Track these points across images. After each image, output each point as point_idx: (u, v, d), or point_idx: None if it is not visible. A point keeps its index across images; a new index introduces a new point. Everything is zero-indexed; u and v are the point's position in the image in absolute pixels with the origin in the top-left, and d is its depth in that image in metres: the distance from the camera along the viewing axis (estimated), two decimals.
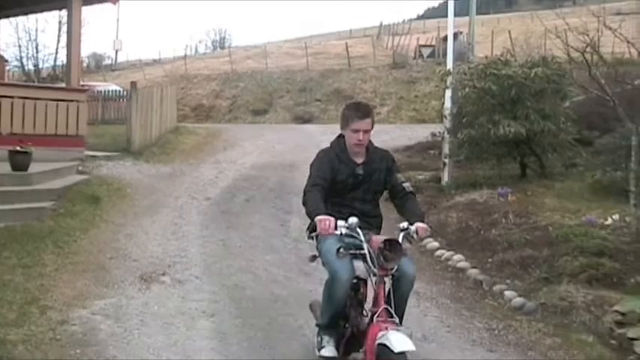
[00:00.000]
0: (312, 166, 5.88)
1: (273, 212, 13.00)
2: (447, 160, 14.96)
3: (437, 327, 7.80)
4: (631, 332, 7.31)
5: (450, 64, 15.48)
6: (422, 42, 48.36)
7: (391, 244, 5.33)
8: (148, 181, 15.34)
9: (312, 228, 5.63)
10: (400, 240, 5.47)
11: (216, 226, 11.93)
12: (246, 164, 18.51)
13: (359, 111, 5.86)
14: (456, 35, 31.46)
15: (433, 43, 47.08)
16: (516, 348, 7.33)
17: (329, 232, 5.32)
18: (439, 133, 16.38)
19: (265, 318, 7.72)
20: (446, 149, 15.04)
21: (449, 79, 15.08)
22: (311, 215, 5.49)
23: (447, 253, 10.23)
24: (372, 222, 5.94)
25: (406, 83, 40.74)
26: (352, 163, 5.89)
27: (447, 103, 15.13)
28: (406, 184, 6.04)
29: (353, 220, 5.42)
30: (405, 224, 5.60)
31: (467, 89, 14.36)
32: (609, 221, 10.59)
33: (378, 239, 5.43)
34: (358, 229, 5.42)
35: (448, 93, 15.16)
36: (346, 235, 5.44)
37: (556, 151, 14.39)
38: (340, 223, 5.36)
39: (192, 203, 13.60)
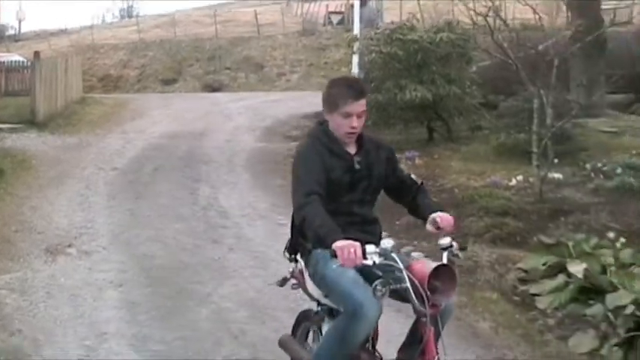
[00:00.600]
0: (295, 167, 4.38)
1: (182, 181, 12.87)
2: None
3: None
4: (533, 288, 7.52)
5: (356, 30, 15.56)
6: (331, 9, 48.28)
7: (441, 271, 4.01)
8: (53, 153, 15.08)
9: (292, 248, 4.66)
10: (445, 261, 4.14)
11: (124, 196, 11.77)
12: (154, 133, 18.28)
13: (351, 88, 4.40)
14: (364, 1, 31.60)
15: (342, 10, 47.06)
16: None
17: (356, 264, 3.86)
18: None
19: (174, 286, 7.68)
20: None
21: (356, 45, 15.18)
22: (322, 238, 4.00)
23: None
24: (373, 230, 4.48)
25: (316, 50, 40.73)
26: (347, 156, 4.41)
27: (355, 69, 15.25)
28: (413, 176, 4.93)
29: (387, 243, 4.04)
30: (446, 240, 4.22)
31: (373, 54, 14.45)
32: (513, 182, 10.87)
33: (423, 266, 4.09)
34: (394, 255, 4.03)
35: (355, 59, 15.28)
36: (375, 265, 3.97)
37: (462, 115, 14.64)
38: (370, 248, 3.90)
39: (99, 174, 13.39)
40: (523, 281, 7.81)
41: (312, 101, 23.29)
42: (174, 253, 8.90)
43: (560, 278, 7.39)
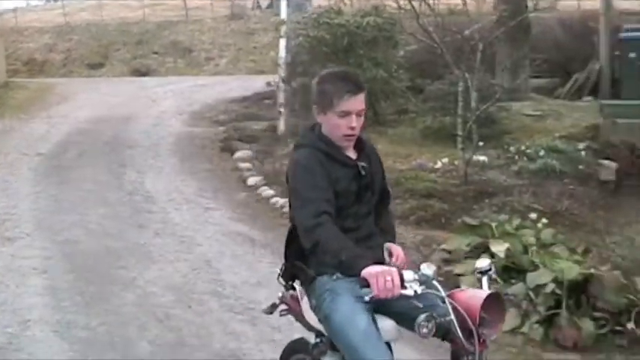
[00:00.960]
0: (295, 183, 3.72)
1: (108, 165, 12.68)
2: (282, 110, 15.01)
3: (271, 273, 7.87)
4: (457, 268, 7.63)
5: (284, 14, 15.50)
6: None
7: (488, 301, 3.40)
8: None
9: (288, 274, 3.97)
10: (486, 287, 3.56)
11: (48, 181, 11.57)
12: (80, 118, 17.93)
13: (347, 82, 3.74)
14: None
15: None
16: None
17: (394, 294, 3.25)
18: (274, 82, 16.38)
19: (99, 271, 7.62)
20: (281, 98, 15.06)
21: (283, 29, 15.11)
22: (347, 265, 3.44)
23: (281, 201, 10.29)
24: (377, 244, 3.91)
25: (244, 34, 40.43)
26: (351, 162, 3.80)
27: (282, 53, 15.15)
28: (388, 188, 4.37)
29: (428, 269, 3.39)
30: (485, 263, 3.60)
31: (300, 38, 14.42)
32: (439, 165, 11.01)
33: (468, 295, 3.48)
34: (436, 282, 3.38)
35: (283, 42, 15.18)
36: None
37: (389, 99, 14.72)
38: (408, 275, 3.29)
39: (22, 159, 13.12)
40: (447, 262, 7.92)
41: (241, 85, 23.32)
42: (99, 238, 8.80)
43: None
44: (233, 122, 16.01)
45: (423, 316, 3.28)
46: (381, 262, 3.55)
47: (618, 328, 6.23)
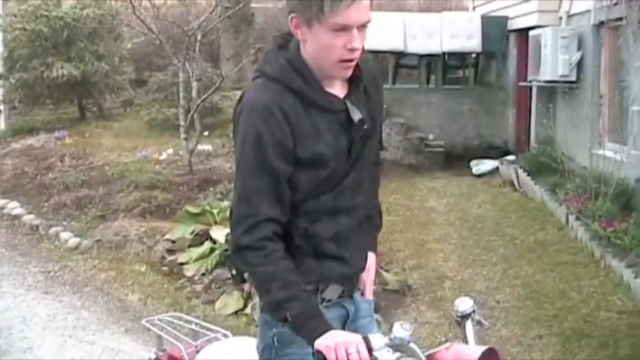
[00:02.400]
0: (240, 151, 2.45)
1: None
2: (1, 107, 14.34)
3: None
4: (181, 257, 7.73)
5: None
6: None
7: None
8: None
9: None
10: (471, 335, 2.64)
11: None
12: None
13: None
14: None
15: None
16: (72, 287, 7.40)
17: None
18: None
19: None
20: (0, 95, 14.40)
21: None
22: (296, 326, 2.36)
23: (1, 202, 9.90)
24: (372, 230, 2.82)
25: None
26: (336, 104, 2.50)
27: None
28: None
29: (403, 330, 2.29)
30: (467, 305, 2.67)
31: (17, 32, 13.82)
32: (164, 156, 11.01)
33: (457, 354, 2.47)
34: (413, 345, 2.32)
35: None
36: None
37: (114, 92, 14.50)
38: (377, 341, 2.28)
39: None
40: (171, 251, 7.99)
41: None
42: None
43: (206, 245, 7.65)
44: None
45: None
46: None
47: None
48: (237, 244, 2.42)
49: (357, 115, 2.49)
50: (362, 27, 2.37)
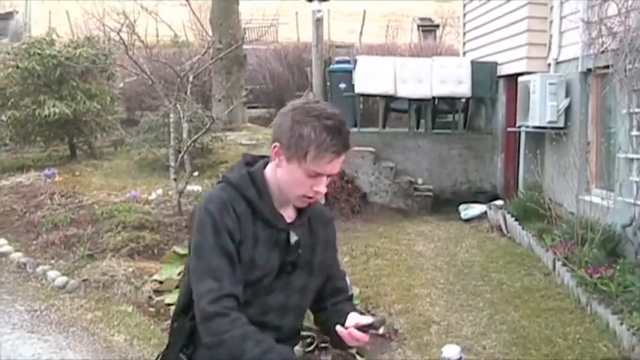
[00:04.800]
0: (199, 235, 2.64)
1: None
2: None
3: None
4: (168, 298, 7.69)
5: None
6: None
7: None
8: None
9: None
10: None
11: None
12: None
13: (338, 139, 2.63)
14: (11, 14, 30.24)
15: None
16: (58, 326, 7.36)
17: None
18: None
19: None
20: None
21: None
22: None
23: None
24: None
25: None
26: (280, 223, 2.76)
27: None
28: (348, 280, 3.43)
29: None
30: (454, 352, 3.02)
31: (10, 69, 13.88)
32: (153, 196, 11.02)
33: None
34: None
35: None
36: None
37: (105, 131, 14.54)
38: None
39: None
40: (158, 292, 7.99)
41: None
42: None
43: None
44: None
45: None
46: None
47: (323, 344, 6.51)
48: (204, 313, 2.55)
49: (294, 238, 2.75)
50: (331, 175, 2.69)
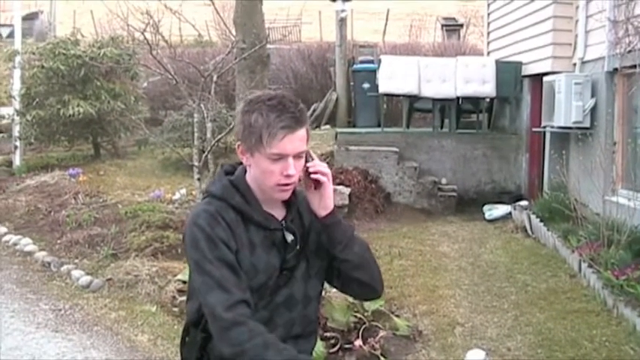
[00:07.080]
0: (196, 252, 2.60)
1: None
2: (17, 143, 14.48)
3: (0, 313, 7.57)
4: None
5: (18, 44, 14.96)
6: (1, 21, 46.02)
7: None
8: None
9: None
10: None
11: None
12: None
13: (284, 114, 2.63)
14: (36, 14, 30.43)
15: (12, 22, 44.93)
16: (82, 325, 7.37)
17: None
18: (8, 115, 15.74)
19: None
20: (16, 132, 14.54)
21: (17, 59, 14.58)
22: None
23: (14, 238, 9.95)
24: (308, 346, 2.91)
25: None
26: (272, 222, 2.77)
27: (17, 84, 14.61)
28: None
29: None
30: (479, 357, 3.05)
31: (35, 69, 13.98)
32: (177, 196, 11.04)
33: None
34: None
35: (17, 73, 14.66)
36: None
37: (129, 130, 14.60)
38: None
39: None
40: (182, 292, 7.94)
41: None
42: None
43: None
44: None
45: None
46: None
47: (347, 345, 6.49)
48: (222, 322, 2.53)
49: (290, 236, 2.76)
50: (298, 156, 2.67)
